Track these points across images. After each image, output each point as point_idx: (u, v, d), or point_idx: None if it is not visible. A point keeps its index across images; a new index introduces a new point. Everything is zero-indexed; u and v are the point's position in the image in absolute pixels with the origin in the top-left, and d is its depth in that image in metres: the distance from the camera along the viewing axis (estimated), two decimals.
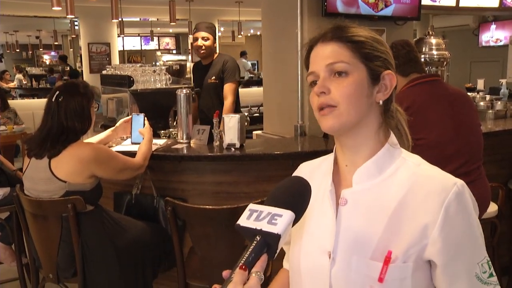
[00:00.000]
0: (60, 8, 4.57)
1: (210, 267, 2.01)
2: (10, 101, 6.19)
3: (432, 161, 1.02)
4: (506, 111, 3.51)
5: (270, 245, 0.77)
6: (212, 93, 3.63)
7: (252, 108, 5.78)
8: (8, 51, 15.29)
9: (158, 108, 3.16)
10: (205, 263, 2.04)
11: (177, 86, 3.18)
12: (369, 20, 3.04)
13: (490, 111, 3.48)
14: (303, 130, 2.96)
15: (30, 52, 15.58)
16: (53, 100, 2.15)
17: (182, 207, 2.00)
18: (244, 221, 0.80)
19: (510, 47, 7.61)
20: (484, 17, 8.74)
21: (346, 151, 1.03)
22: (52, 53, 16.00)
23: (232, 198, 2.53)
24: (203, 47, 3.55)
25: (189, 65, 8.67)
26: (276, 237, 0.76)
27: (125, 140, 2.76)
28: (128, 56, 14.16)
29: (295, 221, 0.80)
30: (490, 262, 0.96)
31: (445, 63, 3.23)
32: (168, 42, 14.61)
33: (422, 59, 3.03)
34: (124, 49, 12.64)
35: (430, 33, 3.28)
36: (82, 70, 9.36)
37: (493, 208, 2.56)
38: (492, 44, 9.06)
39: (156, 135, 2.83)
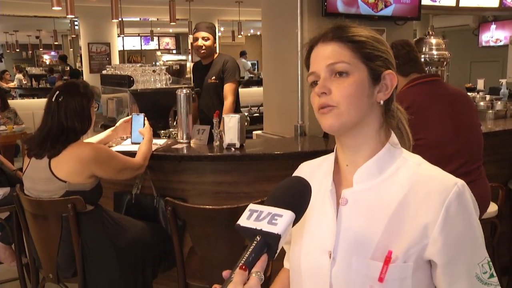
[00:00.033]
0: (60, 8, 4.56)
1: (210, 267, 2.01)
2: (10, 101, 6.19)
3: (432, 161, 1.02)
4: (506, 111, 3.51)
5: (270, 245, 0.77)
6: (212, 93, 3.63)
7: (252, 108, 5.78)
8: (8, 51, 15.29)
9: (158, 108, 3.16)
10: (205, 263, 2.04)
11: (177, 86, 3.18)
12: (369, 20, 3.04)
13: (490, 111, 3.48)
14: (303, 130, 2.96)
15: (30, 52, 15.58)
16: (53, 100, 2.15)
17: (182, 207, 2.00)
18: (244, 221, 0.80)
19: (510, 47, 7.61)
20: (484, 17, 8.75)
21: (346, 151, 1.03)
22: (52, 53, 16.00)
23: (232, 198, 2.53)
24: (204, 47, 3.55)
25: (189, 65, 8.67)
26: (276, 237, 0.76)
27: (125, 140, 2.76)
28: (128, 56, 14.16)
29: (295, 221, 0.80)
30: (491, 263, 0.96)
31: (445, 63, 3.23)
32: (168, 42, 14.61)
33: (422, 59, 3.03)
34: (124, 49, 12.64)
35: (430, 33, 3.28)
36: (82, 70, 9.36)
37: (493, 208, 2.56)
38: (492, 44, 9.06)
39: (156, 135, 2.83)
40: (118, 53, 9.46)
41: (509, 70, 7.38)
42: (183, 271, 2.09)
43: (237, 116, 2.50)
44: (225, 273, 0.75)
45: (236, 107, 3.62)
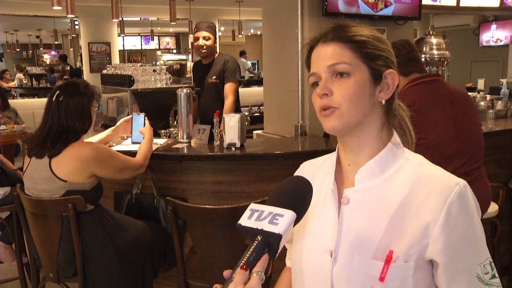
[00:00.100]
0: (60, 8, 4.56)
1: (210, 266, 2.01)
2: (10, 101, 6.18)
3: (433, 161, 1.02)
4: (506, 110, 3.51)
5: (271, 245, 0.77)
6: (212, 93, 3.63)
7: (252, 108, 5.77)
8: (8, 50, 15.27)
9: (158, 108, 3.16)
10: (206, 263, 2.04)
11: (177, 85, 3.17)
12: (370, 20, 3.04)
13: (491, 111, 3.48)
14: (303, 130, 2.96)
15: (31, 51, 15.57)
16: (53, 99, 2.15)
17: (182, 206, 2.00)
18: (245, 220, 0.80)
19: (510, 46, 7.61)
20: (484, 17, 8.74)
21: (348, 151, 1.03)
22: (53, 52, 15.98)
23: (232, 197, 2.53)
24: (205, 47, 3.55)
25: (190, 65, 8.68)
26: (277, 237, 0.76)
27: (126, 139, 2.76)
28: (128, 56, 14.15)
29: (297, 221, 0.80)
30: (493, 264, 0.96)
31: (445, 62, 3.23)
32: (169, 41, 14.60)
33: (423, 59, 3.03)
34: (125, 48, 12.63)
35: (431, 32, 3.28)
36: (82, 70, 9.36)
37: (493, 208, 2.57)
38: (492, 44, 9.06)
39: (156, 134, 2.83)
40: (118, 53, 9.45)
41: (510, 70, 7.39)
42: (184, 271, 2.09)
43: (237, 115, 2.50)
44: (226, 273, 0.75)
45: (237, 107, 3.62)
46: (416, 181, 0.96)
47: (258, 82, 10.59)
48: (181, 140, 2.74)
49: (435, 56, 3.18)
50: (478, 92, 5.13)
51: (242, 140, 2.51)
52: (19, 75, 11.99)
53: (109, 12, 6.08)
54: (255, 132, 3.53)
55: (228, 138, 2.50)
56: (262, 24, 3.40)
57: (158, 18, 10.25)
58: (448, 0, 4.26)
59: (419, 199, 0.94)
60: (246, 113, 4.02)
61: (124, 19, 8.18)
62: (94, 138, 2.60)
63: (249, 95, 8.00)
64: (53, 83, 10.33)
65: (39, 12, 8.64)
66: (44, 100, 2.30)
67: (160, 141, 2.72)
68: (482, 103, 3.72)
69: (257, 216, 0.79)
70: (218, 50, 4.11)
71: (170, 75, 3.33)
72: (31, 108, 7.29)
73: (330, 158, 1.11)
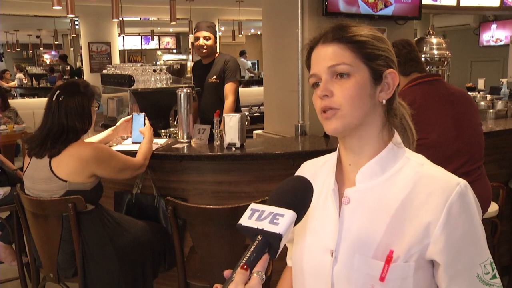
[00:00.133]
0: (60, 8, 4.56)
1: (210, 266, 2.00)
2: (10, 101, 6.18)
3: (433, 160, 1.02)
4: (506, 110, 3.51)
5: (271, 245, 0.77)
6: (212, 93, 3.63)
7: (252, 108, 5.77)
8: (8, 50, 15.28)
9: (158, 108, 3.16)
10: (206, 263, 2.03)
11: (177, 85, 3.17)
12: (370, 20, 3.04)
13: (491, 110, 3.48)
14: (303, 130, 2.96)
15: (31, 51, 15.58)
16: (53, 99, 2.14)
17: (182, 206, 2.00)
18: (245, 220, 0.80)
19: (510, 46, 7.61)
20: (484, 17, 8.75)
21: (349, 151, 1.03)
22: (53, 52, 15.99)
23: (232, 197, 2.53)
24: (205, 47, 3.55)
25: (190, 65, 8.67)
26: (278, 237, 0.76)
27: (126, 139, 2.76)
28: (128, 56, 14.16)
29: (297, 221, 0.80)
30: (493, 264, 0.96)
31: (445, 62, 3.23)
32: (169, 41, 14.61)
33: (423, 59, 3.03)
34: (125, 48, 12.64)
35: (431, 32, 3.28)
36: (82, 70, 9.36)
37: (493, 207, 2.57)
38: (492, 43, 9.06)
39: (156, 134, 2.82)
40: (118, 53, 9.46)
41: (510, 70, 7.39)
42: (184, 271, 2.09)
43: (237, 115, 2.50)
44: (226, 273, 0.75)
45: (237, 107, 3.62)
46: (417, 181, 0.96)
47: (258, 82, 10.58)
48: (181, 140, 2.74)
49: (435, 56, 3.18)
50: (478, 92, 5.13)
51: (242, 140, 2.51)
52: (19, 75, 11.99)
53: (109, 12, 6.08)
54: (255, 132, 3.53)
55: (228, 138, 2.50)
56: (262, 24, 3.40)
57: (158, 18, 10.26)
58: (448, 0, 4.26)
59: (420, 199, 0.94)
60: (246, 113, 4.02)
61: (124, 19, 8.18)
62: (94, 138, 2.60)
63: (249, 95, 8.00)
64: (53, 83, 10.33)
65: (39, 12, 8.64)
66: (44, 100, 2.30)
67: (160, 141, 2.72)
68: (482, 103, 3.72)
69: (258, 216, 0.79)
70: (218, 50, 4.11)
71: (170, 75, 3.33)
72: (31, 108, 7.30)
73: (331, 158, 1.11)
